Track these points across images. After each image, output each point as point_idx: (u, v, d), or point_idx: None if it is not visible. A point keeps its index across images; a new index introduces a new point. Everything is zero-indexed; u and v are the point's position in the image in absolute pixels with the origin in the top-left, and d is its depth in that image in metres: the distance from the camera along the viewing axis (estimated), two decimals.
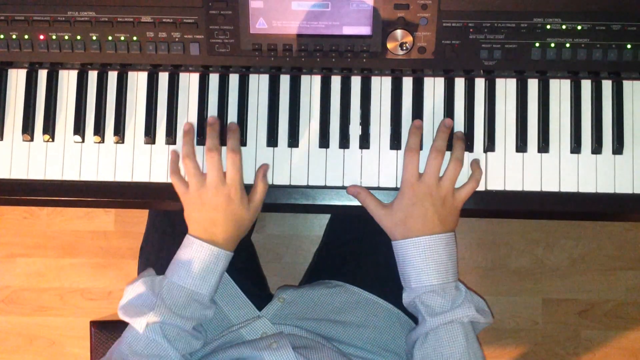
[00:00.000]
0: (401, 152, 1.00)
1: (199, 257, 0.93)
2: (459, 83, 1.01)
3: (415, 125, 0.98)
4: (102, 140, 1.01)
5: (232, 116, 1.01)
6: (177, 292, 0.92)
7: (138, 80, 1.02)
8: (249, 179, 0.99)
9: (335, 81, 1.01)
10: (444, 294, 0.91)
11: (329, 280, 1.13)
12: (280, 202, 1.00)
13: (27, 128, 1.01)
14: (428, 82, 1.01)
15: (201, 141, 1.00)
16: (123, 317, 0.93)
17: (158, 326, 0.90)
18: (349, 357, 0.95)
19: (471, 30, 0.95)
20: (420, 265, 0.92)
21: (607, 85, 1.00)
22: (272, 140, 1.00)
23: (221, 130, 1.00)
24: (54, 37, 0.98)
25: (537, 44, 0.96)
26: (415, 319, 1.08)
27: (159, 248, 1.17)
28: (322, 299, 1.08)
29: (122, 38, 0.97)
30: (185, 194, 0.96)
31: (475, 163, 0.98)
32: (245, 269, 1.17)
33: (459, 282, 0.94)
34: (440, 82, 1.01)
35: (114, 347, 0.94)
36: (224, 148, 0.98)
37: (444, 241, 0.93)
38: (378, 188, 0.99)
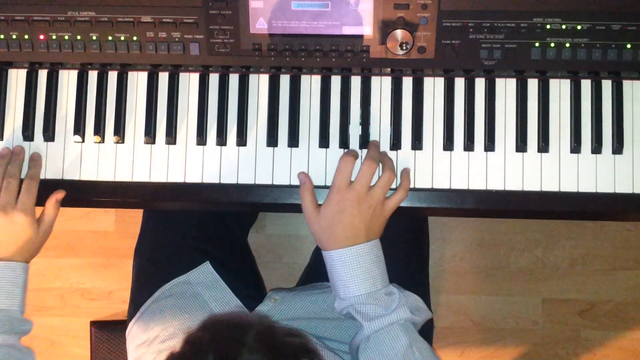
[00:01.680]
0: (401, 152, 1.00)
1: None
2: (459, 83, 1.01)
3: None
4: (102, 140, 1.01)
5: (232, 116, 1.01)
6: None
7: (138, 80, 1.02)
8: (248, 178, 1.00)
9: (335, 81, 1.01)
10: (375, 302, 0.91)
11: (323, 282, 1.13)
12: (281, 202, 1.00)
13: (27, 128, 1.01)
14: (428, 82, 1.01)
15: (202, 141, 1.00)
16: None
17: None
18: (340, 354, 0.96)
19: (471, 30, 0.95)
20: (347, 276, 0.92)
21: (607, 85, 1.00)
22: (272, 140, 1.00)
23: (220, 128, 1.00)
24: (54, 37, 0.98)
25: (537, 44, 0.96)
26: None
27: (153, 248, 1.17)
28: (314, 298, 1.08)
29: (122, 38, 0.97)
30: None
31: (405, 172, 0.98)
32: (239, 270, 1.17)
33: (391, 285, 0.94)
34: (440, 81, 1.01)
35: None
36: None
37: (368, 250, 0.92)
38: None
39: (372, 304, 0.91)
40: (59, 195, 0.99)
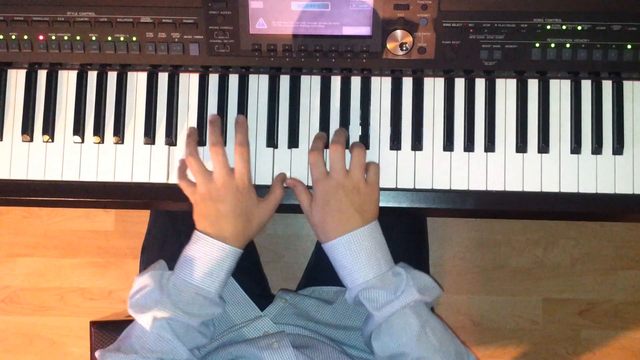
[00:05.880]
0: (402, 153, 1.00)
1: (206, 253, 0.92)
2: (459, 83, 1.01)
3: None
4: (102, 141, 1.01)
5: (232, 117, 1.01)
6: (183, 288, 0.91)
7: (138, 81, 1.02)
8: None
9: (335, 81, 1.01)
10: (383, 285, 0.90)
11: (329, 287, 1.13)
12: (281, 202, 1.00)
13: (27, 128, 1.01)
14: (428, 82, 1.01)
15: (202, 141, 1.00)
16: (132, 313, 0.92)
17: (166, 322, 0.89)
18: (352, 357, 0.95)
19: (471, 30, 0.95)
20: (350, 264, 0.91)
21: (607, 86, 1.00)
22: (272, 141, 1.00)
23: (220, 129, 1.00)
24: (53, 37, 0.97)
25: (537, 44, 0.96)
26: None
27: (161, 248, 1.17)
28: (322, 304, 1.08)
29: (122, 38, 0.97)
30: (194, 193, 0.95)
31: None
32: (247, 268, 1.17)
33: (396, 266, 0.93)
34: (440, 82, 1.01)
35: (122, 339, 0.94)
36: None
37: (367, 233, 0.92)
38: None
39: (380, 288, 0.90)
40: (283, 175, 0.99)
